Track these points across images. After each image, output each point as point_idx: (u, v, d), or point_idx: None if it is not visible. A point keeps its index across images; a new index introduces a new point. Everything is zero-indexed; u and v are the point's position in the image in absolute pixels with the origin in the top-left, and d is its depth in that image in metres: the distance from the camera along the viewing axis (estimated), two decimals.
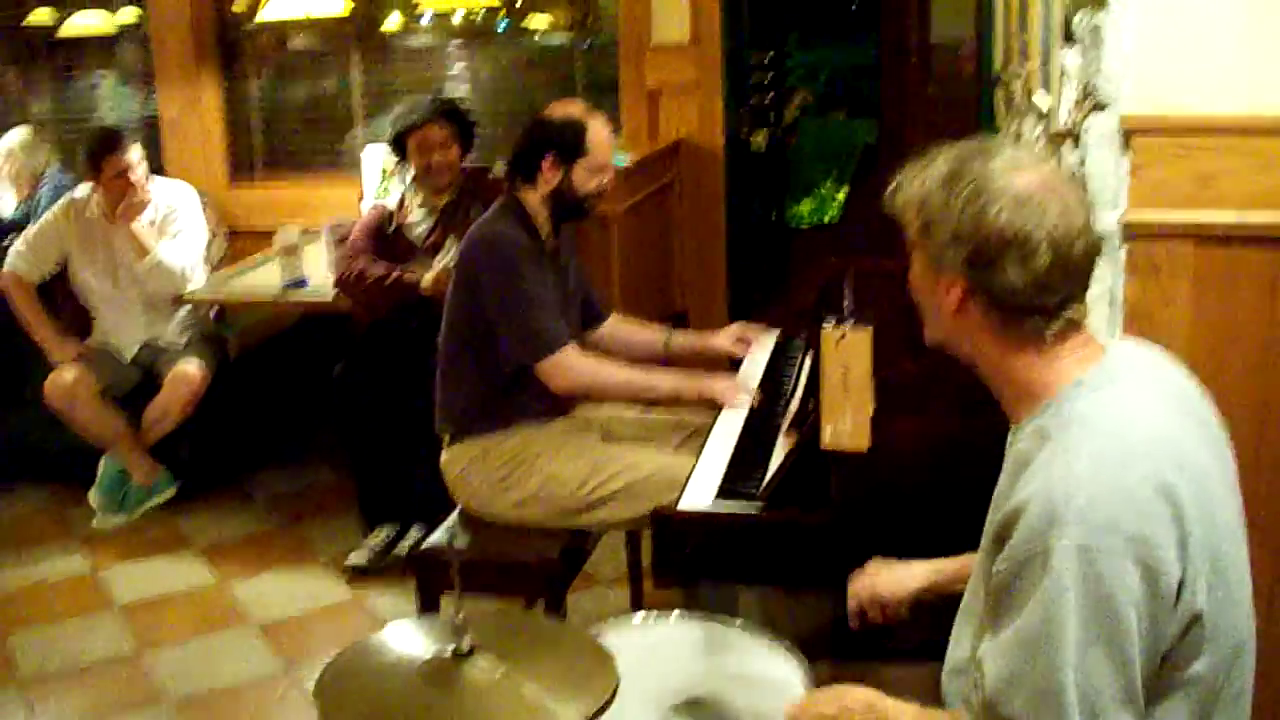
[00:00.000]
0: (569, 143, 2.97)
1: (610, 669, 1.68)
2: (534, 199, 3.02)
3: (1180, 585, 1.37)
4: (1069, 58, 2.24)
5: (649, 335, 3.38)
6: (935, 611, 1.91)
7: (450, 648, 1.68)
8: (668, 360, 3.28)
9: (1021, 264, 1.45)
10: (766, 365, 3.19)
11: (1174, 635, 1.39)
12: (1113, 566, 1.33)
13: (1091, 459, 1.39)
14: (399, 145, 3.93)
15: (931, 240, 1.52)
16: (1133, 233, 1.95)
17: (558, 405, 3.06)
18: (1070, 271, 1.46)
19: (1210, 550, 1.40)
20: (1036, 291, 1.46)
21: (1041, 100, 2.56)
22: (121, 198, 4.34)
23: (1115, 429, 1.42)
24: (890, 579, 2.02)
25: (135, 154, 4.37)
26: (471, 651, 1.67)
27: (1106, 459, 1.38)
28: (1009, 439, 1.58)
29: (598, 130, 3.00)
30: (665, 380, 3.05)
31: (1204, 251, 1.94)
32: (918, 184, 1.54)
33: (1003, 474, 1.58)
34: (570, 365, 2.94)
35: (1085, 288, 1.51)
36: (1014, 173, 1.47)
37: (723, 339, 3.31)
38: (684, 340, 3.37)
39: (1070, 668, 1.35)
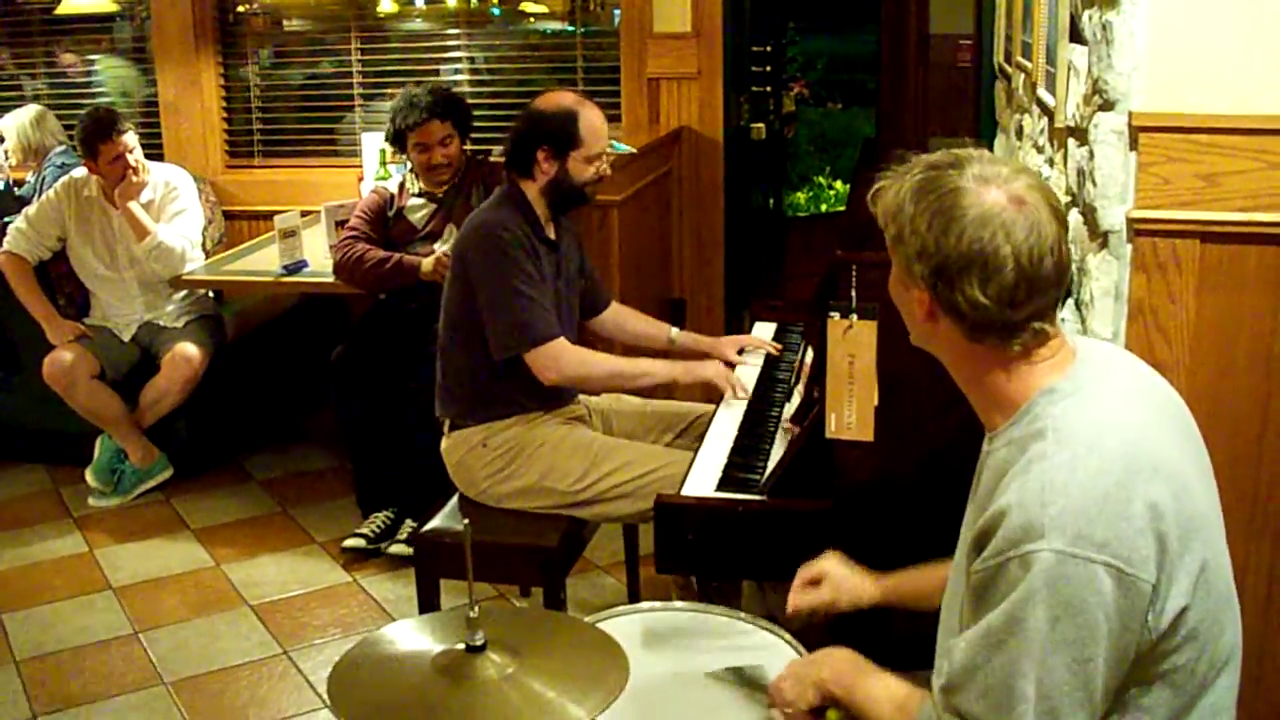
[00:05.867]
0: (562, 134, 2.94)
1: (622, 664, 1.69)
2: (533, 190, 3.00)
3: (1156, 587, 1.38)
4: (1077, 55, 2.24)
5: (653, 329, 3.39)
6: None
7: (462, 642, 1.68)
8: (669, 356, 3.28)
9: (984, 283, 1.44)
10: (763, 364, 3.20)
11: (1160, 631, 1.40)
12: (1085, 573, 1.35)
13: (1066, 468, 1.40)
14: (399, 141, 3.92)
15: (902, 251, 1.52)
16: (1139, 229, 1.96)
17: (556, 395, 3.04)
18: (1038, 287, 1.45)
19: (1190, 547, 1.41)
20: (1001, 308, 1.46)
21: (1046, 96, 2.56)
22: (120, 180, 4.32)
23: (1089, 436, 1.43)
24: (848, 592, 2.01)
25: (131, 137, 4.36)
26: (484, 646, 1.67)
27: (1080, 467, 1.40)
28: (984, 446, 1.59)
29: (590, 119, 2.97)
30: (658, 367, 3.06)
31: (1210, 249, 1.95)
32: (893, 192, 1.54)
33: (979, 481, 1.59)
34: (559, 355, 2.91)
35: (1057, 300, 1.50)
36: (983, 189, 1.46)
37: (726, 347, 3.29)
38: (687, 340, 3.36)
39: (1031, 668, 1.37)
